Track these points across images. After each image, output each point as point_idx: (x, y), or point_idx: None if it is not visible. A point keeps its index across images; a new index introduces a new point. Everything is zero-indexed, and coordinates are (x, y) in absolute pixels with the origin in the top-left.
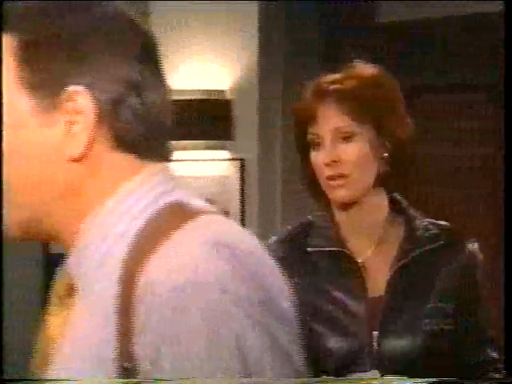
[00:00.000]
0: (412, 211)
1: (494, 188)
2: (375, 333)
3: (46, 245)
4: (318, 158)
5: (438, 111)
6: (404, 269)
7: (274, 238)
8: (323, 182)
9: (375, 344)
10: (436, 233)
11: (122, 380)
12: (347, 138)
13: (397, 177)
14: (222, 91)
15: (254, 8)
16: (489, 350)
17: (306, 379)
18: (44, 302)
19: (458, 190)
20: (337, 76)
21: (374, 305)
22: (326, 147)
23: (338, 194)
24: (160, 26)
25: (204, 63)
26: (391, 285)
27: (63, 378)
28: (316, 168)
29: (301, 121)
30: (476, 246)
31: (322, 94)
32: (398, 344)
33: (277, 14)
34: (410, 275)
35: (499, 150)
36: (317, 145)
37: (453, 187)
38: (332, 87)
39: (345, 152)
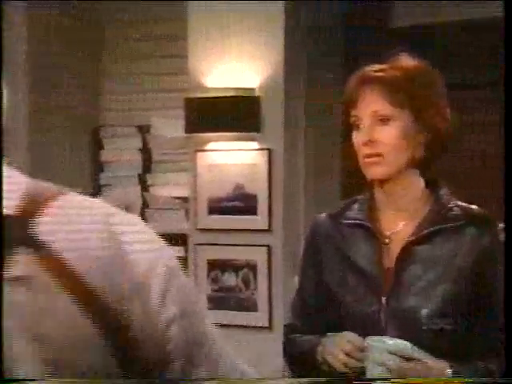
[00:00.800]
0: (443, 192)
1: (492, 176)
2: (383, 298)
3: None
4: (357, 137)
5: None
6: (417, 244)
7: (323, 214)
8: (361, 161)
9: (383, 309)
10: (458, 213)
11: (122, 380)
12: (384, 120)
13: (430, 162)
14: (252, 89)
15: (280, 9)
16: (499, 335)
17: (306, 379)
18: None
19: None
20: (382, 66)
21: (387, 274)
22: (364, 128)
23: (373, 171)
24: (196, 32)
25: (236, 64)
26: (399, 257)
27: (63, 378)
28: (356, 147)
29: (346, 104)
30: (499, 228)
31: (364, 80)
32: (403, 310)
33: (300, 15)
34: (424, 250)
35: (498, 141)
36: (357, 126)
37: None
38: (375, 74)
39: (381, 133)
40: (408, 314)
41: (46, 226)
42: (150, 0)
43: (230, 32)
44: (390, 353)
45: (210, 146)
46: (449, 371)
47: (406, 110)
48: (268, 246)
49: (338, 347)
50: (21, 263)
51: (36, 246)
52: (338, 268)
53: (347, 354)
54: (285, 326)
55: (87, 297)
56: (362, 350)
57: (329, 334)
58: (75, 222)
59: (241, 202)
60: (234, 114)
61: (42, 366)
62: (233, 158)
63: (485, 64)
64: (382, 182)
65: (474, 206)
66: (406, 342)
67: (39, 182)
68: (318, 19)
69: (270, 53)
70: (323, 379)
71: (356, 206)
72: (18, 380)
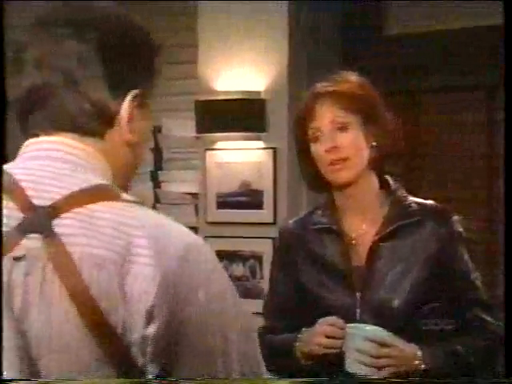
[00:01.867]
0: (400, 192)
1: (489, 174)
2: (358, 294)
3: None
4: (318, 148)
5: (442, 108)
6: (383, 241)
7: (290, 220)
8: (324, 169)
9: (358, 303)
10: (416, 209)
11: (122, 380)
12: (343, 128)
13: (384, 162)
14: (258, 92)
15: (283, 15)
16: (476, 310)
17: (306, 379)
18: None
19: (455, 174)
20: (330, 82)
21: (358, 272)
22: (325, 137)
23: (339, 175)
24: (205, 39)
25: (242, 69)
26: (368, 256)
27: (63, 378)
28: (317, 157)
29: (302, 118)
30: (455, 218)
31: (319, 94)
32: (377, 303)
33: (300, 16)
34: (389, 246)
35: (495, 139)
36: (316, 138)
37: (451, 171)
38: (325, 89)
39: (342, 139)
40: (382, 305)
41: (68, 224)
42: (161, 14)
43: (236, 39)
44: (368, 340)
45: (218, 145)
46: (419, 353)
47: (358, 116)
48: (273, 238)
49: (318, 333)
50: (27, 246)
51: (51, 235)
52: (312, 269)
53: (329, 337)
54: (260, 328)
55: (81, 295)
56: (343, 329)
57: (303, 329)
58: (96, 227)
59: (247, 198)
60: (241, 115)
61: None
62: (240, 157)
63: (482, 67)
64: (342, 186)
65: (429, 201)
66: (381, 329)
67: (102, 183)
68: (317, 20)
69: (275, 58)
70: (325, 379)
71: (319, 211)
72: (18, 380)
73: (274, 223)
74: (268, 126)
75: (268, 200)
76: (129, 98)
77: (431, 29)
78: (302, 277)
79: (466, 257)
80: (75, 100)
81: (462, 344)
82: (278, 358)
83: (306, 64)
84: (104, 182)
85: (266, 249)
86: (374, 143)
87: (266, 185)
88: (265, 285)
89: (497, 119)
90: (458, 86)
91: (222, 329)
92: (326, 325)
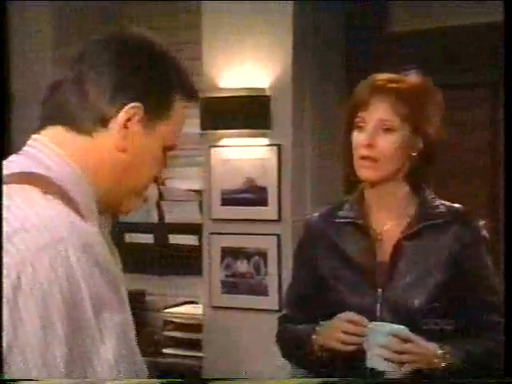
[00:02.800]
0: (428, 193)
1: (492, 170)
2: (379, 290)
3: None
4: (358, 138)
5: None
6: (408, 240)
7: (315, 213)
8: (356, 161)
9: (379, 299)
10: (443, 211)
11: (123, 380)
12: (387, 129)
13: (421, 172)
14: (262, 89)
15: (288, 13)
16: (494, 315)
17: (307, 379)
18: None
19: (457, 172)
20: (393, 76)
21: (381, 268)
22: (368, 131)
23: (366, 173)
24: (210, 37)
25: (247, 66)
26: (393, 253)
27: (63, 378)
28: (355, 146)
29: (354, 105)
30: (480, 223)
31: (377, 88)
32: (398, 301)
33: (304, 15)
34: (414, 245)
35: (497, 138)
36: (360, 128)
37: (453, 169)
38: (388, 85)
39: (382, 140)
40: (402, 304)
41: None
42: (165, 13)
43: (240, 36)
44: (391, 335)
45: (223, 142)
46: (439, 351)
47: (408, 123)
48: (277, 235)
49: (336, 328)
50: None
51: None
52: (334, 263)
53: (347, 332)
54: (279, 317)
55: None
56: (363, 325)
57: (321, 322)
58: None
59: (252, 194)
60: (245, 112)
61: None
62: (244, 154)
63: (484, 65)
64: (373, 183)
65: (456, 205)
66: (403, 327)
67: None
68: (320, 18)
69: (279, 55)
70: (329, 379)
71: (347, 205)
72: (17, 380)
73: (279, 220)
74: (272, 123)
75: (272, 197)
76: (128, 106)
77: (433, 26)
78: (322, 269)
79: (489, 262)
80: (74, 97)
81: (479, 346)
82: (296, 349)
83: (310, 61)
84: (40, 171)
85: (270, 245)
86: (414, 154)
87: (270, 182)
88: (269, 281)
89: (500, 117)
90: (461, 84)
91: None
92: (345, 321)
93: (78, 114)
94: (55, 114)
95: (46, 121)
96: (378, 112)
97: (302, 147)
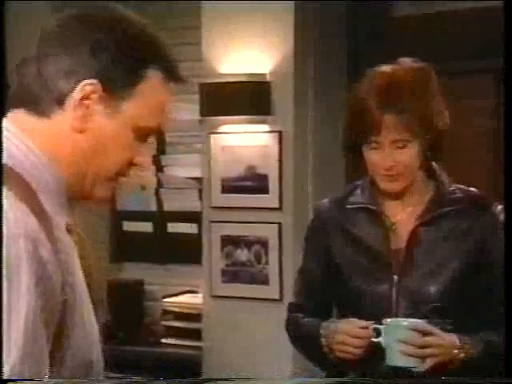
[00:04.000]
0: (443, 177)
1: (494, 158)
2: (395, 277)
3: None
4: (375, 157)
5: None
6: (424, 226)
7: (325, 199)
8: (377, 176)
9: (395, 286)
10: (460, 196)
11: (122, 380)
12: (402, 147)
13: (433, 159)
14: (263, 74)
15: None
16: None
17: (312, 379)
18: None
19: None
20: (393, 70)
21: (396, 255)
22: (385, 153)
23: (391, 186)
24: (210, 21)
25: (247, 51)
26: (409, 239)
27: (63, 379)
28: (371, 163)
29: (365, 126)
30: (499, 208)
31: (386, 106)
32: (414, 288)
33: (307, 1)
34: (431, 232)
35: (500, 125)
36: (375, 149)
37: (458, 155)
38: (398, 105)
39: (400, 157)
40: (419, 291)
41: None
42: None
43: (241, 20)
44: (411, 329)
45: (222, 128)
46: (458, 342)
47: (420, 136)
48: (279, 223)
49: (343, 333)
50: None
51: None
52: (348, 250)
53: (356, 337)
54: (290, 304)
55: None
56: (378, 329)
57: (324, 324)
58: None
59: (252, 182)
60: (246, 98)
61: None
62: (245, 140)
63: (487, 51)
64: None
65: (472, 189)
66: (420, 320)
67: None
68: (323, 4)
69: (280, 39)
70: (332, 379)
71: (358, 191)
72: (17, 380)
73: (280, 208)
74: (273, 109)
75: (273, 184)
76: (83, 83)
77: (434, 11)
78: (336, 257)
79: (503, 248)
80: (33, 77)
81: (498, 335)
82: (306, 344)
83: (312, 46)
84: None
85: (271, 234)
86: (429, 153)
87: (271, 169)
88: (270, 270)
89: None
90: (463, 71)
91: None
92: (351, 326)
93: (37, 94)
94: (18, 96)
95: (12, 104)
96: (390, 133)
97: (304, 133)
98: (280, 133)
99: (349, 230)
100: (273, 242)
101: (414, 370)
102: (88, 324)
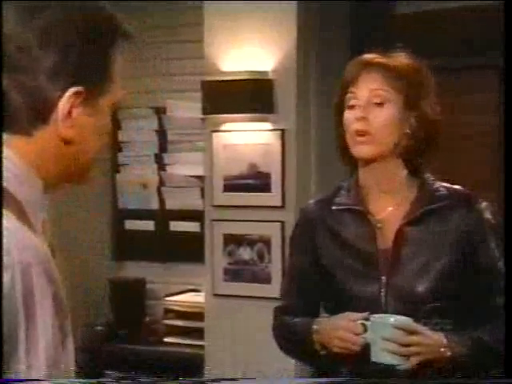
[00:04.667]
0: (427, 175)
1: (494, 153)
2: (383, 278)
3: None
4: (350, 116)
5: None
6: (410, 226)
7: (311, 200)
8: (350, 138)
9: (383, 287)
10: (445, 193)
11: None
12: (380, 102)
13: (416, 152)
14: (265, 72)
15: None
16: (500, 299)
17: (301, 379)
18: None
19: (463, 155)
20: (380, 54)
21: (383, 255)
22: (360, 106)
23: (361, 149)
24: (212, 18)
25: (250, 48)
26: (396, 239)
27: (63, 379)
28: (347, 124)
29: (344, 82)
30: (483, 205)
31: (367, 63)
32: (403, 288)
33: (311, 3)
34: (417, 231)
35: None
36: (352, 105)
37: (459, 152)
38: (377, 60)
39: (375, 113)
40: (408, 291)
41: None
42: None
43: (243, 18)
44: (396, 328)
45: (225, 126)
46: (445, 341)
47: (401, 96)
48: (281, 221)
49: (337, 328)
50: None
51: None
52: (334, 251)
53: (348, 331)
54: (275, 309)
55: None
56: (365, 325)
57: (318, 319)
58: None
59: (255, 180)
60: (248, 96)
61: None
62: (247, 138)
63: (487, 47)
64: (368, 164)
65: (457, 186)
66: (407, 318)
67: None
68: (325, 1)
69: (283, 37)
70: (338, 379)
71: (343, 191)
72: (17, 380)
73: (283, 206)
74: (276, 107)
75: (276, 183)
76: (68, 93)
77: (437, 8)
78: (322, 258)
79: (494, 244)
80: (10, 92)
81: (486, 332)
82: (296, 345)
83: (315, 44)
84: None
85: (274, 232)
86: (408, 131)
87: (273, 167)
88: (273, 269)
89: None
90: (466, 66)
91: None
92: (345, 319)
93: (16, 112)
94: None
95: None
96: (370, 83)
97: (306, 132)
98: (282, 131)
99: (335, 231)
100: (275, 241)
101: (397, 367)
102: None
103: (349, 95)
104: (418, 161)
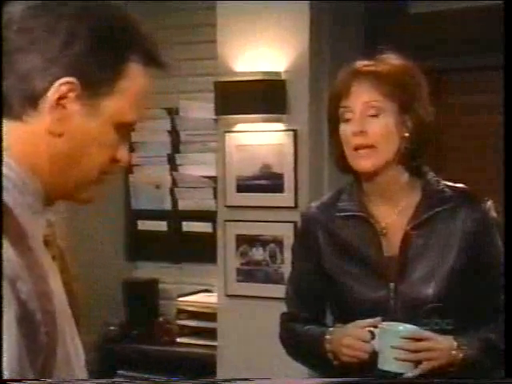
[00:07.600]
0: (430, 176)
1: (495, 154)
2: (391, 284)
3: None
4: (347, 129)
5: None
6: (417, 230)
7: (312, 204)
8: (350, 153)
9: (392, 294)
10: (450, 195)
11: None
12: (374, 115)
13: (416, 154)
14: (278, 73)
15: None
16: (502, 295)
17: (314, 380)
18: None
19: (464, 155)
20: (371, 61)
21: (390, 262)
22: (355, 119)
23: (363, 163)
24: (225, 19)
25: (262, 49)
26: (402, 245)
27: (64, 379)
28: (344, 139)
29: (335, 95)
30: (488, 204)
31: (357, 73)
32: (412, 294)
33: (324, 3)
34: (423, 235)
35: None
36: (347, 119)
37: (459, 152)
38: (366, 68)
39: (372, 125)
40: (417, 296)
41: None
42: None
43: (256, 18)
44: (403, 337)
45: (237, 127)
46: (455, 343)
47: (395, 103)
48: (294, 222)
49: (346, 336)
50: None
51: None
52: (338, 257)
53: (364, 341)
54: (282, 315)
55: None
56: (373, 333)
57: (331, 329)
58: None
59: (268, 181)
60: (261, 96)
61: None
62: (260, 139)
63: (497, 47)
64: (371, 175)
65: (461, 185)
66: (414, 327)
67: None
68: (338, 1)
69: (296, 37)
70: (351, 379)
71: (344, 196)
72: (18, 380)
73: (295, 207)
74: (289, 108)
75: (289, 183)
76: (58, 82)
77: (449, 8)
78: (325, 264)
79: (500, 242)
80: (6, 75)
81: (494, 331)
82: (307, 353)
83: (327, 44)
84: None
85: (286, 233)
86: (407, 134)
87: (286, 168)
88: (285, 269)
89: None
90: (476, 67)
91: None
92: (358, 327)
93: (9, 95)
94: None
95: None
96: (362, 95)
97: (319, 132)
98: (295, 131)
99: (338, 237)
100: (288, 241)
101: (405, 375)
102: (71, 347)
103: (341, 109)
104: (419, 162)
